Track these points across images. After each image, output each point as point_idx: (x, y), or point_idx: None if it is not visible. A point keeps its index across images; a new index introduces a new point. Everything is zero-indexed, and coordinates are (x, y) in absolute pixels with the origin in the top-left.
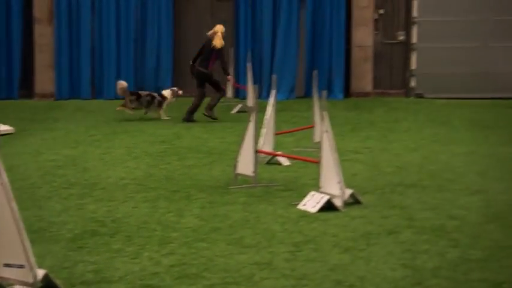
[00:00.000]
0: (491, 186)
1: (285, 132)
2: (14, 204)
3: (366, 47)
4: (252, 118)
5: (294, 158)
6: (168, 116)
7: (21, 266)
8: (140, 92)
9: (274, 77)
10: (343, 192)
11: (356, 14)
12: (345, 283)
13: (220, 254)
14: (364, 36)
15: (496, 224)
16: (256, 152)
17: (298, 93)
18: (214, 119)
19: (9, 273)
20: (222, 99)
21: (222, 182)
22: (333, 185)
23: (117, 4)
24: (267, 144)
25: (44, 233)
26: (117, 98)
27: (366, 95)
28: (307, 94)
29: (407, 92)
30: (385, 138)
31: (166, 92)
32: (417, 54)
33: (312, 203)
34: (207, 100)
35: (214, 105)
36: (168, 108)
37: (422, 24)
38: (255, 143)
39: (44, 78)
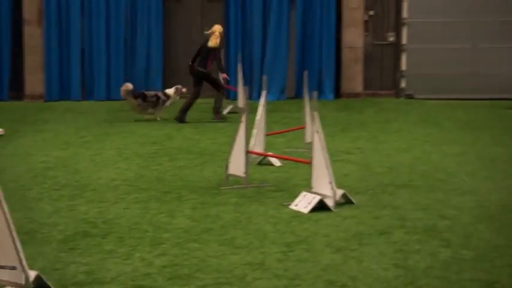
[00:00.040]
0: (482, 186)
1: (276, 133)
2: (5, 206)
3: (356, 48)
4: (243, 119)
5: (285, 159)
6: (161, 118)
7: (13, 268)
8: (146, 93)
9: (264, 77)
10: (335, 193)
11: (346, 15)
12: (337, 283)
13: (213, 255)
14: (354, 37)
15: (487, 224)
16: (248, 152)
17: (288, 94)
18: (224, 120)
19: (1, 275)
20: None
21: (214, 182)
22: (324, 185)
23: (106, 5)
24: (258, 145)
25: (35, 234)
26: (108, 99)
27: (356, 95)
28: (298, 95)
29: (398, 92)
30: (375, 139)
31: (170, 91)
32: (407, 55)
33: (303, 203)
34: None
35: (220, 107)
36: (166, 108)
37: (412, 26)
38: (246, 143)
39: (34, 79)
